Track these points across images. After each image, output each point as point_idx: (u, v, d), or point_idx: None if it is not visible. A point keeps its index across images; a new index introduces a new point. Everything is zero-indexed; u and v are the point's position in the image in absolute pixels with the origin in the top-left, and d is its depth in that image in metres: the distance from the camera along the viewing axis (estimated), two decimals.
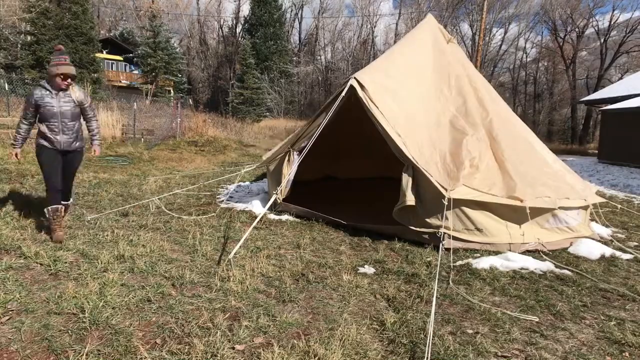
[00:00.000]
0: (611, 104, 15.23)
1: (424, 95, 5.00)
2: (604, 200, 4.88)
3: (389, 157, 5.14)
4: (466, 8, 39.82)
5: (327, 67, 45.71)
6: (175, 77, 30.66)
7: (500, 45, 41.86)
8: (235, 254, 3.41)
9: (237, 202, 6.02)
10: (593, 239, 4.48)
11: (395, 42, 39.39)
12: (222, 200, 6.10)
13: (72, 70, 3.79)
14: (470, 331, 2.51)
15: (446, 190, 3.90)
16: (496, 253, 3.90)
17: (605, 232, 5.03)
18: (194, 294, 2.83)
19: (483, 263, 3.65)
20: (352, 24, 46.69)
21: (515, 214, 4.05)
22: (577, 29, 36.32)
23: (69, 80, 3.81)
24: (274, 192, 4.51)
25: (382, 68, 5.14)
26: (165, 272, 3.14)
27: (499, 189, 4.08)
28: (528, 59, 43.40)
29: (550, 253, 4.06)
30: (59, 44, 20.77)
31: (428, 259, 3.75)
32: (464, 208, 3.97)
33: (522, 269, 3.61)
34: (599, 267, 3.78)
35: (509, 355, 2.28)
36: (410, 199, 4.10)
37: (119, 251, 3.49)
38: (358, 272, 3.44)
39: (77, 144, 4.00)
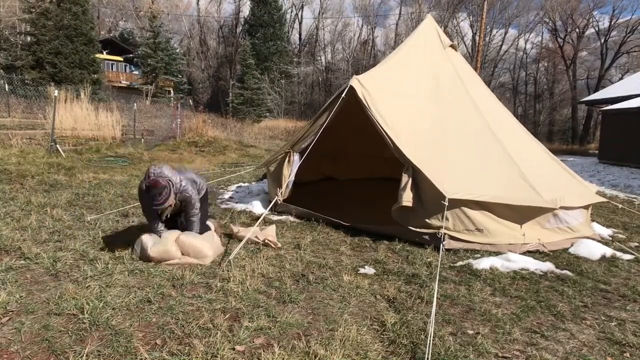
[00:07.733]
0: (612, 104, 15.24)
1: (422, 100, 5.03)
2: (604, 200, 4.87)
3: (389, 158, 5.14)
4: (466, 8, 39.87)
5: (327, 68, 45.71)
6: (175, 78, 30.69)
7: (501, 46, 41.88)
8: (235, 254, 3.41)
9: (237, 202, 6.02)
10: (594, 239, 4.47)
11: (395, 42, 39.44)
12: (222, 201, 6.09)
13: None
14: (470, 332, 2.50)
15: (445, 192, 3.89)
16: (497, 253, 3.89)
17: (606, 232, 5.02)
18: (194, 294, 2.82)
19: (483, 263, 3.64)
20: (352, 24, 46.73)
21: (515, 214, 4.05)
22: (577, 29, 36.34)
23: None
24: (276, 195, 4.49)
25: (381, 73, 5.15)
26: (166, 273, 3.14)
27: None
28: (528, 60, 43.43)
29: (551, 253, 4.06)
30: (59, 44, 20.31)
31: (428, 260, 3.74)
32: (464, 208, 3.96)
33: (522, 269, 3.60)
34: (600, 267, 3.77)
35: (510, 356, 2.27)
36: (407, 200, 4.08)
37: (119, 252, 3.49)
38: (358, 272, 3.43)
39: None
